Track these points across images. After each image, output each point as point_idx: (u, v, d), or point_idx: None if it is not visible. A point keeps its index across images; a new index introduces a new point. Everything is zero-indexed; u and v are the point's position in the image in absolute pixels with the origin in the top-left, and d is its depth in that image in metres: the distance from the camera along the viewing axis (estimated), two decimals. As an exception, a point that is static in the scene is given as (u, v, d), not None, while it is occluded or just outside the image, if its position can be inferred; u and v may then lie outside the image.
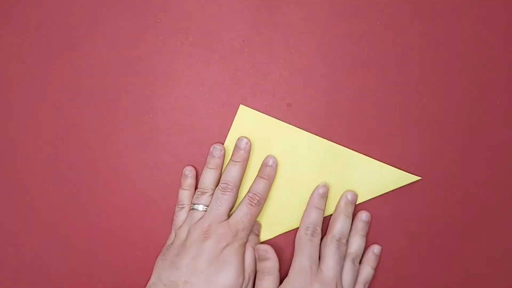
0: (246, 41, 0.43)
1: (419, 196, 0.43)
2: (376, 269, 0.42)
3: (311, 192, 0.41)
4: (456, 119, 0.43)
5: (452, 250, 0.43)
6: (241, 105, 0.42)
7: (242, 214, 0.39)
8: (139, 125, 0.42)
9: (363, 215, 0.41)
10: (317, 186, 0.41)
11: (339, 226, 0.40)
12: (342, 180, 0.42)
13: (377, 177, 0.42)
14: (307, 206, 0.41)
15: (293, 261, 0.39)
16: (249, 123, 0.42)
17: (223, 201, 0.39)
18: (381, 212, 0.42)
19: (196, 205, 0.40)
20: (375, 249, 0.42)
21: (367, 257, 0.41)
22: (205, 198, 0.40)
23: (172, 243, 0.39)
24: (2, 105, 0.43)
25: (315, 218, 0.40)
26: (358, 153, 0.42)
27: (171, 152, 0.42)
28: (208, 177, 0.41)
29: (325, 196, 0.41)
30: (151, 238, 0.42)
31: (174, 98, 0.43)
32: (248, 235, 0.40)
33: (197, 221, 0.39)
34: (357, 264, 0.40)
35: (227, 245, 0.38)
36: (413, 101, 0.43)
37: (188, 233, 0.39)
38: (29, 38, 0.43)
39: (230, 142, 0.42)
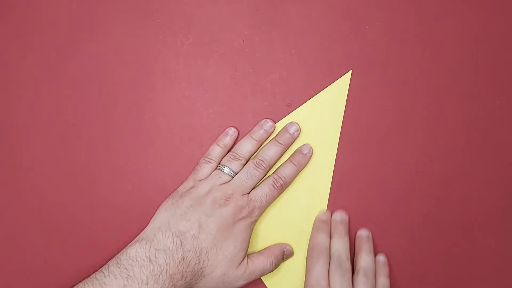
0: (246, 41, 0.43)
1: (418, 196, 0.43)
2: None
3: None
4: (456, 118, 0.43)
5: (453, 251, 0.43)
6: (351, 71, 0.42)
7: (262, 193, 0.39)
8: (139, 125, 0.42)
9: (362, 232, 0.42)
10: (318, 214, 0.42)
11: (335, 247, 0.40)
12: None
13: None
14: (312, 232, 0.42)
15: (305, 280, 0.40)
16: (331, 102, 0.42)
17: (253, 176, 0.39)
18: (380, 212, 0.42)
19: (225, 168, 0.40)
20: (381, 258, 0.41)
21: (377, 270, 0.41)
22: (236, 165, 0.40)
23: (188, 192, 0.39)
24: (2, 105, 0.43)
25: (320, 238, 0.41)
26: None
27: (171, 152, 0.42)
28: (247, 146, 0.41)
29: (328, 221, 0.42)
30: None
31: (174, 98, 0.43)
32: (259, 216, 0.39)
33: (222, 184, 0.39)
34: (371, 278, 0.40)
35: (241, 218, 0.38)
36: (413, 101, 0.43)
37: (209, 191, 0.38)
38: (29, 38, 0.43)
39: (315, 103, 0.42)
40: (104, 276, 0.34)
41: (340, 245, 0.40)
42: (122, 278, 0.33)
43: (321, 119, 0.42)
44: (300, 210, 0.42)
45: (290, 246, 0.41)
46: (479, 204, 0.43)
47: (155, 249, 0.35)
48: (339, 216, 0.42)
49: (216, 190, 0.38)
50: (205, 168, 0.40)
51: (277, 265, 0.40)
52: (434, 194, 0.43)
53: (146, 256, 0.34)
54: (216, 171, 0.40)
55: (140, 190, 0.42)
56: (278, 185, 0.40)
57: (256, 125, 0.42)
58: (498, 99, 0.43)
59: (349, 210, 0.43)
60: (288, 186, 0.41)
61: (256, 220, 0.39)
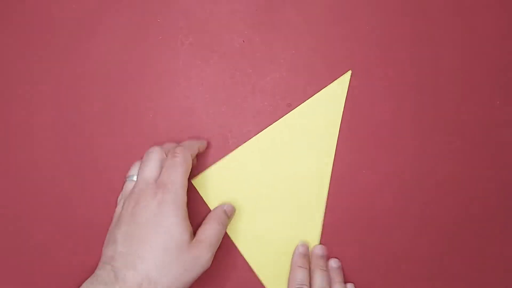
0: (246, 41, 0.43)
1: (417, 196, 0.43)
2: (374, 270, 0.42)
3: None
4: (456, 118, 0.43)
5: (453, 251, 0.43)
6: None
7: (165, 171, 0.36)
8: (139, 125, 0.42)
9: (332, 262, 0.42)
10: (296, 246, 0.42)
11: (318, 281, 0.40)
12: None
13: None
14: (291, 267, 0.41)
15: None
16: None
17: (150, 162, 0.36)
18: (379, 212, 0.42)
19: (133, 176, 0.37)
20: (333, 263, 0.42)
21: (332, 276, 0.41)
22: (136, 167, 0.38)
23: (111, 225, 0.36)
24: (2, 105, 0.43)
25: (301, 276, 0.40)
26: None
27: (171, 152, 0.42)
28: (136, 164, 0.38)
29: (306, 254, 0.41)
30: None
31: (174, 98, 0.43)
32: (179, 189, 0.35)
33: (130, 191, 0.36)
34: None
35: (159, 203, 0.34)
36: (413, 101, 0.43)
37: (122, 206, 0.36)
38: (29, 38, 0.43)
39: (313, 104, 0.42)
40: None
41: (322, 279, 0.40)
42: None
43: (319, 118, 0.42)
44: (297, 209, 0.42)
45: (229, 203, 0.40)
46: (479, 204, 0.43)
47: (90, 282, 0.32)
48: (320, 250, 0.42)
49: (126, 201, 0.35)
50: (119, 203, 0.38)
51: (226, 225, 0.38)
52: (434, 194, 0.43)
53: None
54: (125, 184, 0.38)
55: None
56: (176, 154, 0.36)
57: (253, 124, 0.42)
58: (498, 99, 0.43)
59: (348, 210, 0.43)
60: (187, 160, 0.37)
61: (180, 200, 0.34)
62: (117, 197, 0.40)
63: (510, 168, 0.43)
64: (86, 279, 0.33)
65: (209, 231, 0.36)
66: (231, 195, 0.41)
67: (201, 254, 0.34)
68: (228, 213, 0.40)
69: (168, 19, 0.43)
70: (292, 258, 0.41)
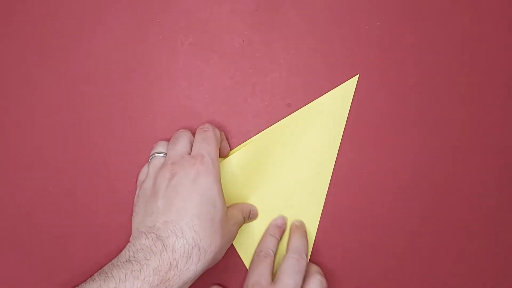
0: (246, 41, 0.43)
1: (419, 198, 0.43)
2: (374, 270, 0.42)
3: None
4: (456, 119, 0.43)
5: (453, 251, 0.43)
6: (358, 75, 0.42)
7: (199, 144, 0.36)
8: (139, 125, 0.42)
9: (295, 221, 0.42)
10: (274, 218, 0.42)
11: (293, 243, 0.40)
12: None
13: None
14: (263, 234, 0.41)
15: (245, 280, 0.39)
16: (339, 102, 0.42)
17: (180, 139, 0.37)
18: (380, 216, 0.43)
19: (157, 153, 0.38)
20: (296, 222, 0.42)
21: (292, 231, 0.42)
22: (162, 145, 0.38)
23: (138, 196, 0.37)
24: (2, 105, 0.43)
25: (269, 243, 0.40)
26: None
27: (171, 152, 0.42)
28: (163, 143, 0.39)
29: (282, 227, 0.42)
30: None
31: (174, 98, 0.43)
32: (215, 160, 0.36)
33: (161, 165, 0.36)
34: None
35: (197, 175, 0.34)
36: (413, 101, 0.43)
37: (154, 180, 0.36)
38: (29, 38, 0.43)
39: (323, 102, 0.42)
40: (85, 282, 0.32)
41: (299, 243, 0.40)
42: (99, 280, 0.31)
43: (323, 121, 0.42)
44: (296, 211, 0.42)
45: (256, 208, 0.41)
46: (479, 204, 0.43)
47: (133, 251, 0.32)
48: (299, 222, 0.42)
49: (159, 173, 0.35)
50: (143, 171, 0.39)
51: (245, 220, 0.39)
52: (435, 194, 0.43)
53: (125, 259, 0.32)
54: (150, 160, 0.38)
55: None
56: (205, 127, 0.38)
57: (253, 124, 0.42)
58: (498, 99, 0.43)
59: (347, 211, 0.43)
60: (217, 134, 0.38)
61: (217, 171, 0.35)
62: (119, 197, 0.40)
63: (510, 168, 0.43)
64: (84, 280, 0.33)
65: (233, 213, 0.37)
66: (229, 194, 0.41)
67: (233, 229, 0.36)
68: (251, 214, 0.40)
69: (168, 19, 0.43)
70: (267, 227, 0.42)
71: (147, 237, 0.32)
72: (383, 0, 0.43)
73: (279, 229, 0.41)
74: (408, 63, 0.43)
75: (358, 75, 0.42)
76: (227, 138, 0.42)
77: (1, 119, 0.43)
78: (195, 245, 0.32)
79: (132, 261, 0.31)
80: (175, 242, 0.32)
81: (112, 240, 0.42)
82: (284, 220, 0.42)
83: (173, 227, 0.32)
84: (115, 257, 0.33)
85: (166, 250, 0.32)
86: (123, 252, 0.33)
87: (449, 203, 0.43)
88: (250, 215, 0.40)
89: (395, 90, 0.43)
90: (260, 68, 0.43)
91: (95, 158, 0.42)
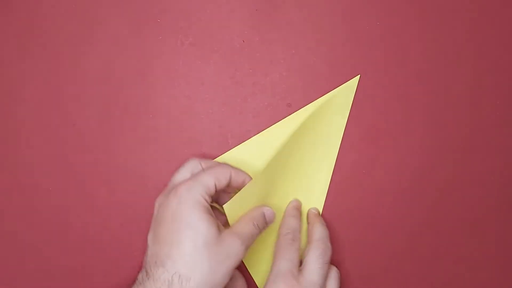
0: (246, 41, 0.43)
1: (419, 198, 0.43)
2: (374, 270, 0.42)
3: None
4: (456, 119, 0.43)
5: (453, 251, 0.43)
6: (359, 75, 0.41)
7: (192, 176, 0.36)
8: (139, 125, 0.42)
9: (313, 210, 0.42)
10: (290, 201, 0.42)
11: (318, 232, 0.40)
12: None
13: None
14: (283, 217, 0.41)
15: (272, 265, 0.37)
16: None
17: (181, 168, 0.37)
18: (378, 213, 0.42)
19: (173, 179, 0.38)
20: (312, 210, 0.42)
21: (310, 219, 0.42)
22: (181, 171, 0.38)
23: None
24: (2, 105, 0.43)
25: (293, 224, 0.40)
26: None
27: (171, 152, 0.42)
28: None
29: (299, 208, 0.41)
30: (151, 238, 0.42)
31: (174, 98, 0.43)
32: (196, 185, 0.34)
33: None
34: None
35: (178, 203, 0.34)
36: (413, 101, 0.43)
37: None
38: (29, 38, 0.43)
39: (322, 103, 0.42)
40: None
41: (323, 232, 0.40)
42: None
43: (324, 121, 0.42)
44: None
45: (269, 207, 0.38)
46: (479, 204, 0.43)
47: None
48: (316, 210, 0.42)
49: (156, 203, 0.36)
50: None
51: (262, 228, 0.37)
52: (435, 194, 0.43)
53: None
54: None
55: (140, 190, 0.42)
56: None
57: (253, 124, 0.42)
58: (498, 99, 0.43)
59: (348, 212, 0.43)
60: (218, 174, 0.36)
61: (194, 196, 0.34)
62: (119, 197, 0.40)
63: (510, 168, 0.43)
64: (81, 282, 0.33)
65: (241, 226, 0.35)
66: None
67: (232, 244, 0.33)
68: (267, 217, 0.38)
69: (168, 19, 0.43)
70: (285, 211, 0.41)
71: (141, 272, 0.34)
72: (383, 0, 0.43)
73: (297, 210, 0.41)
74: (409, 63, 0.43)
75: (359, 75, 0.42)
76: (227, 139, 0.42)
77: (2, 119, 0.43)
78: (174, 273, 0.32)
79: None
80: (155, 271, 0.32)
81: (112, 239, 0.42)
82: (299, 202, 0.42)
83: (156, 257, 0.33)
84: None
85: (148, 280, 0.32)
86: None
87: (449, 203, 0.43)
88: (266, 219, 0.37)
89: (396, 90, 0.43)
90: (260, 68, 0.43)
91: (95, 158, 0.42)
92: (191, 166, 0.38)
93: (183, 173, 0.37)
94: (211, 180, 0.35)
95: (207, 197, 0.34)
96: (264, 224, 0.37)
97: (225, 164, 0.38)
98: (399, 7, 0.43)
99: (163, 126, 0.42)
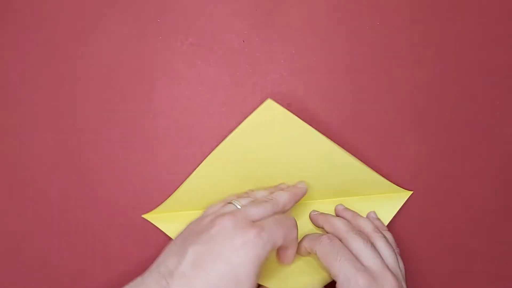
0: (246, 41, 0.43)
1: (418, 197, 0.43)
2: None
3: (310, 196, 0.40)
4: (456, 119, 0.43)
5: (453, 251, 0.43)
6: (269, 99, 0.39)
7: (273, 216, 0.34)
8: (140, 125, 0.42)
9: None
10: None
11: (343, 223, 0.38)
12: (335, 181, 0.41)
13: (373, 188, 0.41)
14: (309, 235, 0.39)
15: (333, 275, 0.34)
16: (272, 118, 0.38)
17: (261, 207, 0.35)
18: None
19: (235, 201, 0.36)
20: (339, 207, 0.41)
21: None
22: (247, 201, 0.36)
23: (190, 224, 0.35)
24: (2, 105, 0.43)
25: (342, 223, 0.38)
26: (368, 168, 0.41)
27: (171, 152, 0.42)
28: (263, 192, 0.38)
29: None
30: (151, 238, 0.42)
31: (174, 98, 0.43)
32: (271, 243, 0.32)
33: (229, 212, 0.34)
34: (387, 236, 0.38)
35: (244, 243, 0.31)
36: (413, 101, 0.43)
37: (212, 221, 0.33)
38: (29, 38, 0.43)
39: (242, 130, 0.39)
40: None
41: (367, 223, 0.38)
42: None
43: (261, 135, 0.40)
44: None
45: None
46: (479, 204, 0.43)
47: None
48: (342, 206, 0.41)
49: (219, 218, 0.32)
50: (214, 205, 0.37)
51: None
52: (434, 194, 0.43)
53: None
54: (226, 204, 0.36)
55: (140, 190, 0.42)
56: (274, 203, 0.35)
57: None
58: (498, 99, 0.43)
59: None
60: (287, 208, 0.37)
61: (264, 253, 0.31)
62: (119, 197, 0.39)
63: (510, 168, 0.43)
64: (81, 282, 0.32)
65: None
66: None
67: None
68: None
69: (168, 19, 0.43)
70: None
71: (158, 282, 0.30)
72: (383, 0, 0.43)
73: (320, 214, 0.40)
74: (409, 63, 0.43)
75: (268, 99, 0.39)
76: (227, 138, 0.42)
77: (2, 119, 0.43)
78: None
79: None
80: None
81: (112, 239, 0.42)
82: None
83: (184, 284, 0.30)
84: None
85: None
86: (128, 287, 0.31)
87: (448, 203, 0.43)
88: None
89: (395, 89, 0.43)
90: (260, 68, 0.43)
91: (95, 158, 0.42)
92: (273, 211, 0.35)
93: (261, 212, 0.34)
94: (281, 239, 0.33)
95: (268, 251, 0.32)
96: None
97: (293, 220, 0.35)
98: (399, 7, 0.43)
99: (163, 126, 0.42)
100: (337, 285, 0.33)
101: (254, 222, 0.32)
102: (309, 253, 0.38)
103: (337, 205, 0.41)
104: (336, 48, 0.43)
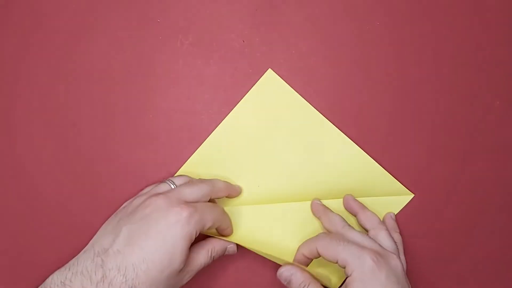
0: (246, 41, 0.43)
1: (418, 197, 0.43)
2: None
3: (302, 174, 0.41)
4: (456, 119, 0.43)
5: (454, 251, 0.43)
6: (269, 69, 0.41)
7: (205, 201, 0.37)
8: (139, 125, 0.42)
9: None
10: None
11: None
12: (339, 169, 0.42)
13: (376, 182, 0.42)
14: (322, 215, 0.40)
15: (341, 260, 0.34)
16: (271, 89, 0.42)
17: (200, 185, 0.37)
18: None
19: (168, 180, 0.38)
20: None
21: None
22: (181, 179, 0.39)
23: (123, 207, 0.38)
24: (2, 105, 0.42)
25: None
26: (368, 156, 0.42)
27: (171, 152, 0.42)
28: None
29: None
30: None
31: (174, 98, 0.43)
32: (200, 223, 0.34)
33: (160, 193, 0.36)
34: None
35: (176, 222, 0.33)
36: (413, 101, 0.43)
37: (144, 201, 0.35)
38: (29, 38, 0.43)
39: (246, 103, 0.42)
40: None
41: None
42: None
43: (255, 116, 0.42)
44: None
45: (234, 245, 0.39)
46: (479, 204, 0.43)
47: (72, 273, 0.31)
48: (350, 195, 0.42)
49: (152, 199, 0.35)
50: (150, 186, 0.39)
51: (214, 259, 0.38)
52: (434, 194, 0.43)
53: (60, 282, 0.31)
54: (161, 183, 0.38)
55: (140, 190, 0.42)
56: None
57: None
58: (498, 99, 0.43)
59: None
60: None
61: (192, 231, 0.34)
62: (119, 197, 0.40)
63: (510, 168, 0.43)
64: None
65: (199, 261, 0.36)
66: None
67: (182, 281, 0.35)
68: (228, 251, 0.39)
69: (168, 19, 0.43)
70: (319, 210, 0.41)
71: (93, 260, 0.32)
72: (383, 0, 0.43)
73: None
74: (411, 63, 0.43)
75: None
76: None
77: (1, 119, 0.43)
78: (131, 287, 0.31)
79: (66, 286, 0.31)
80: (115, 276, 0.31)
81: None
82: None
83: (120, 261, 0.32)
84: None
85: (103, 282, 0.31)
86: (62, 268, 0.32)
87: (448, 203, 0.43)
88: (225, 252, 0.39)
89: (396, 89, 0.43)
90: (260, 68, 0.43)
91: (95, 158, 0.42)
92: (207, 191, 0.37)
93: (197, 192, 0.36)
94: (210, 222, 0.35)
95: (198, 232, 0.34)
96: (217, 257, 0.38)
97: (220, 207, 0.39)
98: (399, 7, 0.43)
99: (163, 126, 0.42)
100: (347, 268, 0.34)
101: (186, 202, 0.35)
102: (308, 261, 0.38)
103: (346, 195, 0.41)
104: (336, 48, 0.43)
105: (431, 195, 0.43)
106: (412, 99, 0.43)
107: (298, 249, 0.38)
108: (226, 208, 0.41)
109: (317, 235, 0.37)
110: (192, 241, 0.34)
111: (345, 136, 0.42)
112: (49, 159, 0.42)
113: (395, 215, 0.42)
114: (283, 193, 0.42)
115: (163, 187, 0.37)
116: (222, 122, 0.42)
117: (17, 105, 0.43)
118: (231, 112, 0.42)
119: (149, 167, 0.42)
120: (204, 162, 0.42)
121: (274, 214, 0.41)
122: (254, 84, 0.42)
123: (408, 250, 0.42)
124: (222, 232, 0.39)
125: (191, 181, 0.38)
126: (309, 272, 0.36)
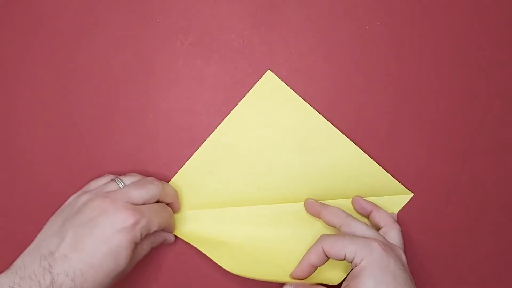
0: (246, 41, 0.43)
1: (418, 197, 0.43)
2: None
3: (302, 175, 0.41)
4: (456, 119, 0.43)
5: (453, 251, 0.43)
6: (268, 70, 0.42)
7: (151, 204, 0.37)
8: (139, 125, 0.42)
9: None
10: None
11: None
12: (339, 170, 0.42)
13: (375, 182, 0.42)
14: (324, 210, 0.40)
15: (350, 252, 0.34)
16: (270, 90, 0.42)
17: (148, 187, 0.37)
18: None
19: (117, 179, 0.38)
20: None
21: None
22: (129, 178, 0.38)
23: (67, 205, 0.37)
24: (2, 105, 0.43)
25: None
26: (368, 156, 0.42)
27: (171, 152, 0.42)
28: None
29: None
30: (151, 238, 0.42)
31: (174, 98, 0.43)
32: (147, 225, 0.35)
33: (108, 192, 0.36)
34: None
35: (122, 229, 0.33)
36: (413, 101, 0.43)
37: (90, 199, 0.35)
38: (29, 38, 0.43)
39: (245, 103, 0.42)
40: None
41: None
42: None
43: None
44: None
45: (173, 235, 0.40)
46: (479, 204, 0.43)
47: (20, 277, 0.31)
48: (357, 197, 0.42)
49: (98, 199, 0.34)
50: (98, 180, 0.38)
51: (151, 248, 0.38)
52: (434, 194, 0.43)
53: (9, 286, 0.30)
54: (110, 183, 0.37)
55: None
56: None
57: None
58: (498, 99, 0.43)
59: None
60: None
61: (137, 233, 0.34)
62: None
63: (510, 168, 0.43)
64: None
65: (138, 255, 0.36)
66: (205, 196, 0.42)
67: (124, 274, 0.35)
68: (166, 242, 0.40)
69: (168, 19, 0.43)
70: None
71: (40, 264, 0.31)
72: (383, 0, 0.43)
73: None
74: (411, 63, 0.43)
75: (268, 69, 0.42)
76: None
77: (1, 119, 0.43)
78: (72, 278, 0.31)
79: None
80: (63, 282, 0.31)
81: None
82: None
83: (68, 266, 0.32)
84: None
85: (52, 287, 0.31)
86: (8, 271, 0.32)
87: (447, 203, 0.43)
88: (163, 243, 0.40)
89: (396, 88, 0.43)
90: (260, 68, 0.43)
91: (95, 158, 0.42)
92: (155, 193, 0.37)
93: (145, 194, 0.36)
94: (156, 226, 0.36)
95: (143, 235, 0.35)
96: (155, 246, 0.39)
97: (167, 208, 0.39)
98: (399, 7, 0.43)
99: (163, 126, 0.42)
100: (356, 259, 0.34)
101: (133, 206, 0.35)
102: (313, 270, 0.37)
103: (355, 196, 0.41)
104: (336, 48, 0.43)
105: (431, 194, 0.43)
106: (412, 99, 0.43)
107: (302, 260, 0.37)
108: (226, 209, 0.41)
109: (317, 239, 0.37)
110: (138, 243, 0.34)
111: (345, 136, 0.42)
112: (49, 159, 0.42)
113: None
114: (283, 193, 0.42)
115: (111, 186, 0.37)
116: (222, 122, 0.42)
117: (17, 105, 0.43)
118: (231, 112, 0.42)
119: (149, 167, 0.42)
120: (204, 162, 0.42)
121: (274, 214, 0.41)
122: (254, 84, 0.42)
123: (408, 250, 0.42)
124: (166, 230, 0.40)
125: (139, 181, 0.37)
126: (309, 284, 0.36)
